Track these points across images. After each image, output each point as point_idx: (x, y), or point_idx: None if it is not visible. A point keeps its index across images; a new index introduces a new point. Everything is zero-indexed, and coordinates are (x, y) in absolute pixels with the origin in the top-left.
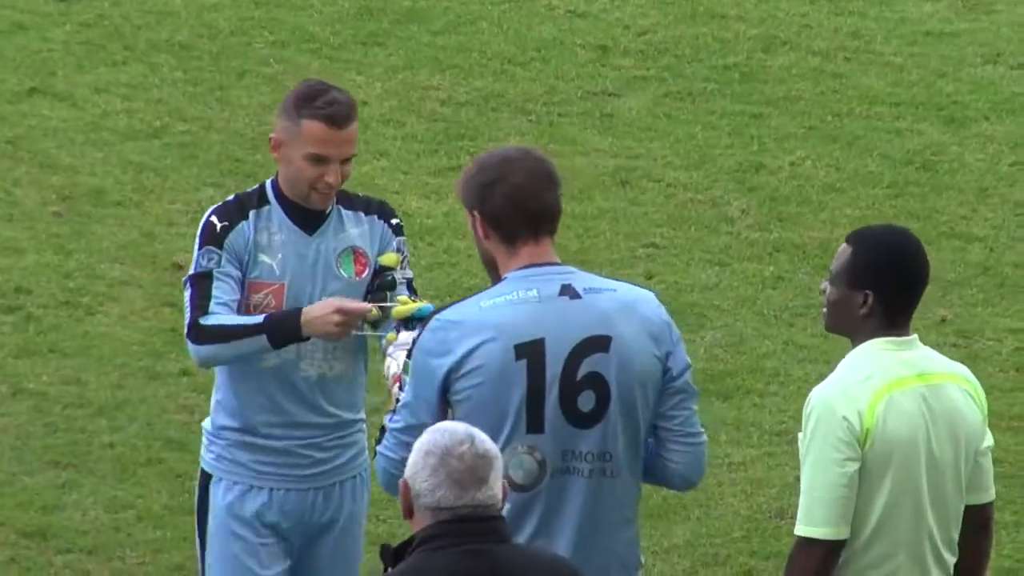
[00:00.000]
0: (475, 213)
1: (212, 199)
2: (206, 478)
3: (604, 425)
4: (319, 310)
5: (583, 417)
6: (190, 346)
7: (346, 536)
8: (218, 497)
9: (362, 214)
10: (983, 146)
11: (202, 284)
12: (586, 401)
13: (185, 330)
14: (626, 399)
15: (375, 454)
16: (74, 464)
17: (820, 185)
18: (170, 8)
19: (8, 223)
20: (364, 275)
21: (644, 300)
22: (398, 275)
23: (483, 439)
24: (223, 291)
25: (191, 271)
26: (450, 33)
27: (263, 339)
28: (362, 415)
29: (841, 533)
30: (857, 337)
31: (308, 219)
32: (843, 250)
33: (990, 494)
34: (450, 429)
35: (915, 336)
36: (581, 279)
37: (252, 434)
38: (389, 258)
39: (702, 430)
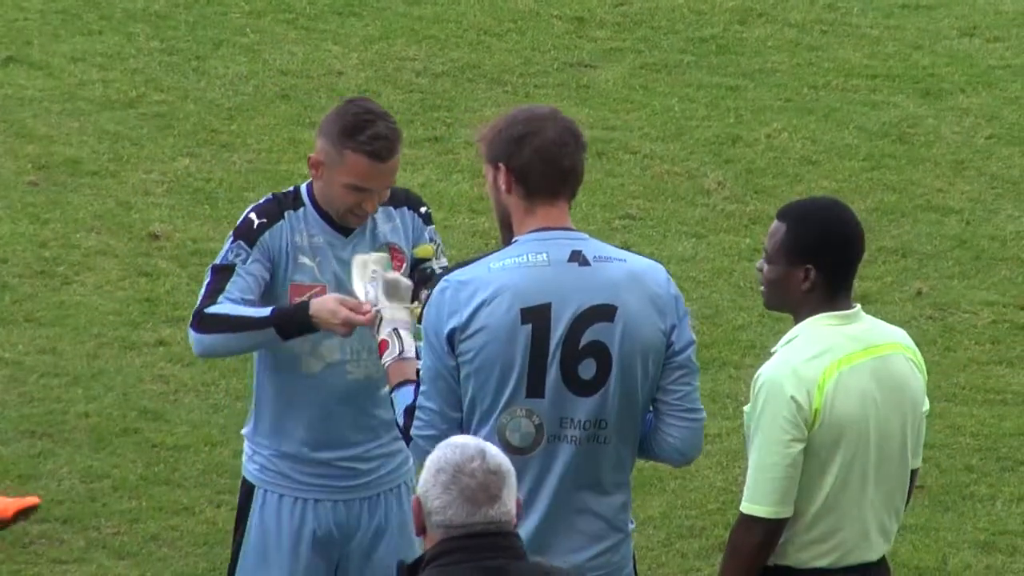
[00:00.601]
0: (500, 165)
1: (188, 169)
2: (248, 488)
3: (603, 394)
4: (325, 307)
5: (583, 385)
6: (191, 334)
7: (392, 545)
8: (262, 509)
9: (391, 208)
10: (959, 119)
11: (220, 276)
12: (587, 369)
13: (191, 318)
14: (627, 369)
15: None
16: (49, 434)
17: (796, 157)
18: None
19: None
20: (402, 270)
21: (653, 271)
22: (435, 265)
23: (494, 454)
24: (238, 287)
25: (216, 261)
26: (426, 4)
27: (271, 332)
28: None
29: (783, 512)
30: (800, 313)
31: (342, 226)
32: (776, 227)
33: (919, 460)
34: (460, 445)
35: (858, 307)
36: (592, 246)
37: (297, 446)
38: (425, 250)
39: (701, 407)
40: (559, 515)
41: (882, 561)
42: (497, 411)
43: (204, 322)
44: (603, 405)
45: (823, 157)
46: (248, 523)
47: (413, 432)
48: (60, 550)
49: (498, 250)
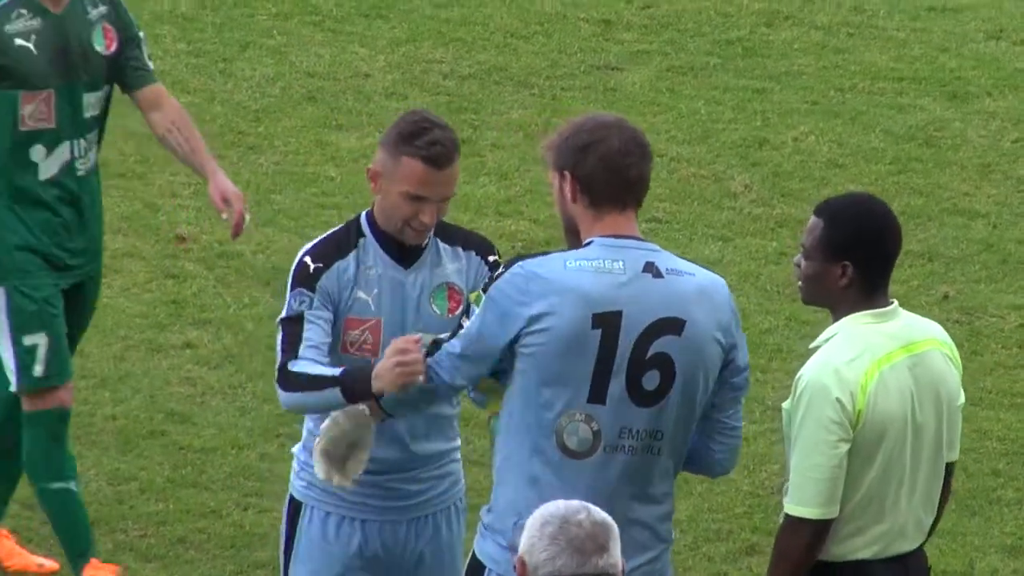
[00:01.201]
0: (567, 174)
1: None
2: (296, 505)
3: (663, 405)
4: (384, 362)
5: (645, 395)
6: (278, 391)
7: (441, 566)
8: (310, 526)
9: (460, 249)
10: (986, 122)
11: (293, 327)
12: (651, 380)
13: (275, 374)
14: (689, 383)
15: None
16: (77, 436)
17: (823, 160)
18: None
19: None
20: (457, 312)
21: (719, 288)
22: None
23: (598, 509)
24: (315, 333)
25: (283, 314)
26: (453, 6)
27: (337, 392)
28: (457, 443)
29: (829, 513)
30: (838, 309)
31: (404, 252)
32: (814, 223)
33: (956, 453)
34: (564, 502)
35: (895, 303)
36: (664, 258)
37: None
38: (478, 296)
39: (742, 424)
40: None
41: (919, 551)
42: (555, 411)
43: (287, 380)
44: (661, 416)
45: (849, 160)
46: (296, 540)
47: (430, 362)
48: None
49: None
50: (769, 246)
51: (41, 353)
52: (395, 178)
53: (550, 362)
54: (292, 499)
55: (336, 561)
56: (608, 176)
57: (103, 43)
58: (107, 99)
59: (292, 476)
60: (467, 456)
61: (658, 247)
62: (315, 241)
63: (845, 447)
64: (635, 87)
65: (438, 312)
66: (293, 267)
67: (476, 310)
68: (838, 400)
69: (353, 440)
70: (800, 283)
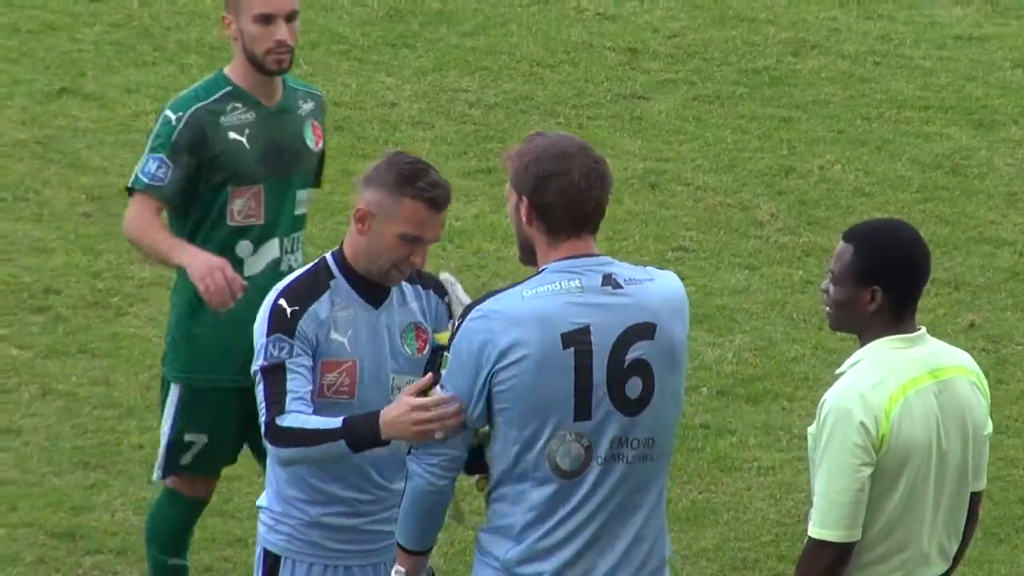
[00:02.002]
0: (524, 199)
1: None
2: (272, 560)
3: (650, 411)
4: (396, 411)
5: (631, 403)
6: (273, 449)
7: None
8: None
9: (419, 288)
10: (1012, 150)
11: (275, 378)
12: (633, 388)
13: (262, 429)
14: (669, 383)
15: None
16: (103, 465)
17: (849, 189)
18: (200, 9)
19: (38, 223)
20: (424, 352)
21: (672, 281)
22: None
23: None
24: (298, 384)
25: (261, 361)
26: (479, 35)
27: (341, 445)
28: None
29: (853, 536)
30: (866, 335)
31: (373, 292)
32: (843, 249)
33: (983, 482)
34: None
35: (923, 330)
36: (621, 269)
37: (326, 513)
38: (446, 337)
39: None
40: (604, 539)
41: None
42: (544, 437)
43: (278, 436)
44: (653, 423)
45: (876, 189)
46: None
47: (426, 476)
48: None
49: (526, 279)
50: (796, 274)
51: (196, 449)
52: (393, 219)
53: (528, 392)
54: (268, 553)
55: None
56: (566, 208)
57: (313, 139)
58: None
59: (263, 529)
60: None
61: (612, 259)
62: (285, 284)
63: (868, 471)
64: (661, 116)
65: (409, 352)
66: (267, 311)
67: (443, 370)
68: (862, 424)
69: None
70: (828, 309)
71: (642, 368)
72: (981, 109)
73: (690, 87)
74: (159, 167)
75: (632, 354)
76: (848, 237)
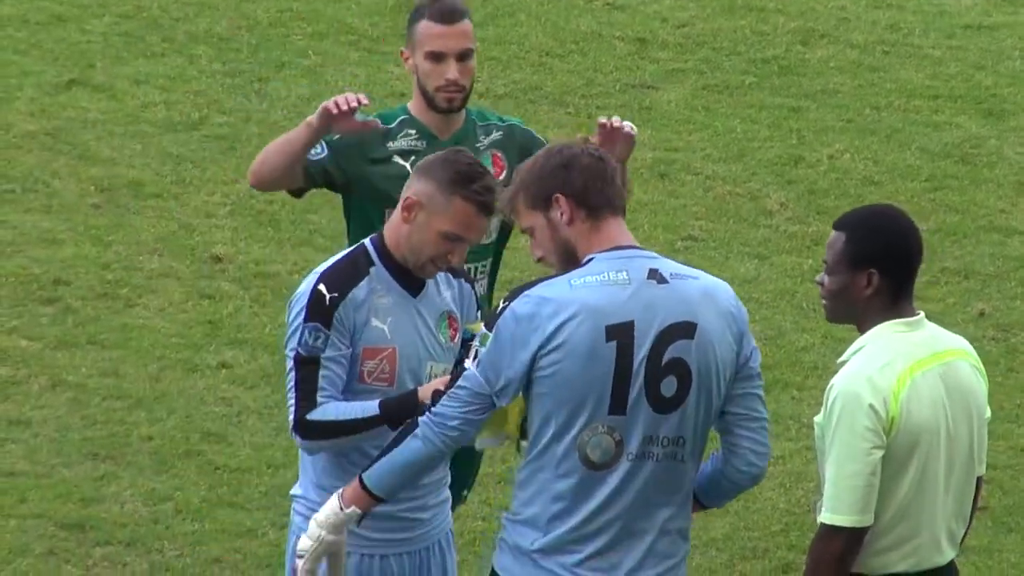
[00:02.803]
0: (558, 198)
1: (250, 191)
2: None
3: (682, 411)
4: (436, 384)
5: (665, 402)
6: (296, 439)
7: None
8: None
9: (451, 276)
10: (1022, 139)
11: (309, 371)
12: (668, 386)
13: (291, 423)
14: (705, 385)
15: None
16: (112, 456)
17: (859, 178)
18: (208, 0)
19: (47, 214)
20: (456, 340)
21: (723, 288)
22: (476, 343)
23: None
24: (330, 381)
25: (295, 345)
26: (488, 25)
27: (383, 429)
28: (447, 471)
29: (865, 521)
30: (865, 321)
31: (412, 280)
32: (836, 237)
33: (983, 468)
34: None
35: (922, 315)
36: (666, 264)
37: None
38: (478, 326)
39: (766, 412)
40: (633, 532)
41: (951, 565)
42: (577, 427)
43: (308, 430)
44: (682, 422)
45: (885, 178)
46: None
47: (437, 443)
48: (123, 573)
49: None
50: (805, 264)
51: None
52: (442, 215)
53: (569, 380)
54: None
55: None
56: (598, 184)
57: (492, 171)
58: (500, 223)
59: (299, 519)
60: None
61: (657, 254)
62: (326, 267)
63: (879, 454)
64: (670, 105)
65: (443, 340)
66: (307, 294)
67: (480, 347)
68: (871, 407)
69: (333, 551)
70: (825, 301)
71: (679, 368)
72: (991, 98)
73: (699, 76)
74: (321, 149)
75: (671, 352)
76: (839, 225)
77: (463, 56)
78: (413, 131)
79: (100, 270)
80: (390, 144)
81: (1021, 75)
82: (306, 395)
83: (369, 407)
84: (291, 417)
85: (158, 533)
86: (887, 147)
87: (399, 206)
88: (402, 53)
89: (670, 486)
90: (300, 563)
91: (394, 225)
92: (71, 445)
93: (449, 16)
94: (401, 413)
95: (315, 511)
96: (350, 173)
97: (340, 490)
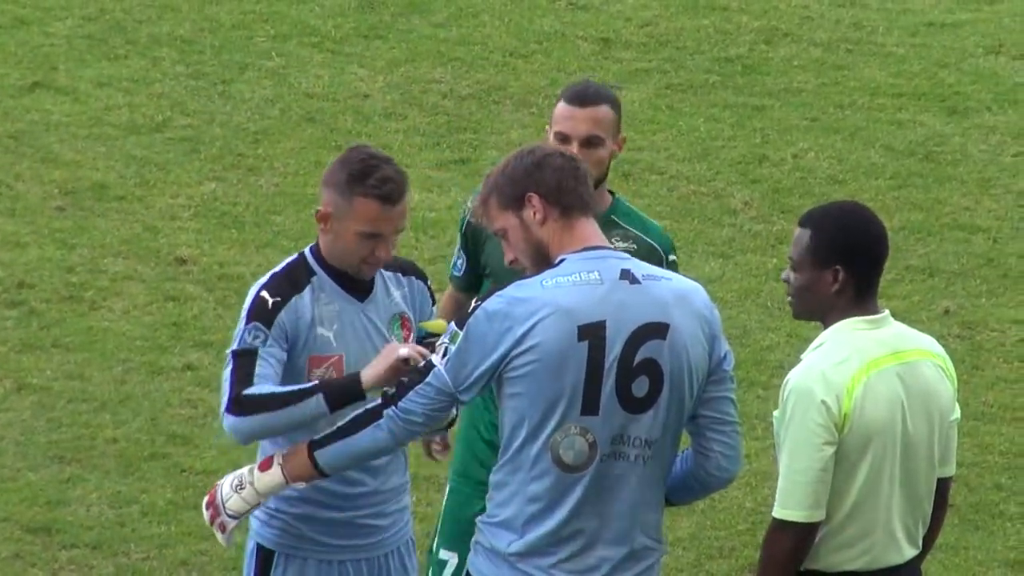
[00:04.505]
0: (531, 197)
1: (214, 193)
2: (266, 554)
3: (655, 411)
4: (374, 369)
5: (636, 402)
6: (229, 421)
7: None
8: (284, 574)
9: (400, 275)
10: (985, 136)
11: (245, 361)
12: (640, 387)
13: (223, 405)
14: (677, 386)
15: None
16: (78, 459)
17: (823, 177)
18: (171, 2)
19: (11, 218)
20: (409, 339)
21: (695, 290)
22: (446, 340)
23: None
24: (266, 371)
25: (235, 345)
26: (452, 26)
27: (319, 400)
28: (408, 478)
29: (815, 516)
30: (829, 317)
31: (357, 286)
32: (801, 234)
33: (952, 468)
34: None
35: (887, 312)
36: (638, 265)
37: (315, 506)
38: (438, 325)
39: (738, 418)
40: (608, 533)
41: (911, 564)
42: (549, 428)
43: (243, 405)
44: (653, 423)
45: (849, 176)
46: None
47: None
48: (89, 575)
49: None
50: (769, 263)
51: (449, 571)
52: (349, 218)
53: (541, 380)
54: (260, 548)
55: None
56: (571, 183)
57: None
58: None
59: (256, 524)
60: None
61: (629, 255)
62: (268, 276)
63: (831, 450)
64: (634, 105)
65: (396, 342)
66: (249, 301)
67: (451, 346)
68: (823, 403)
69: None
70: (791, 298)
71: (651, 368)
72: (954, 96)
73: (663, 76)
74: (456, 257)
75: (643, 353)
76: (805, 221)
77: (589, 142)
78: None
79: (64, 273)
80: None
81: (984, 72)
82: (241, 379)
83: (305, 384)
84: (224, 401)
85: (124, 536)
86: (851, 145)
87: (315, 218)
88: (545, 130)
89: (643, 487)
90: (232, 524)
91: (321, 237)
92: (36, 448)
93: (580, 98)
94: (339, 383)
95: (271, 516)
96: (473, 258)
97: (280, 459)
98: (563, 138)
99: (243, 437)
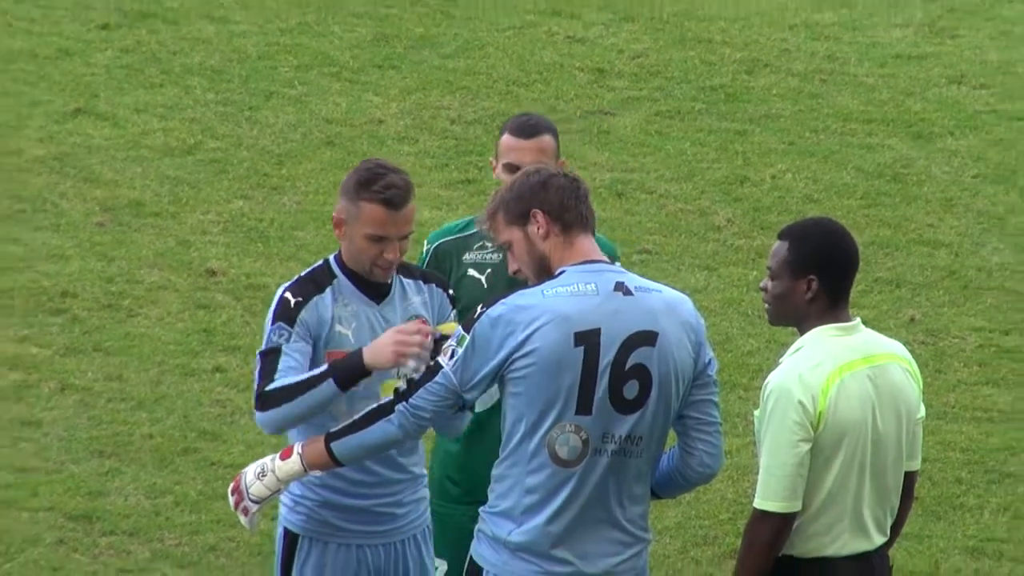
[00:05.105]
0: (536, 213)
1: (241, 210)
2: (292, 537)
3: (642, 412)
4: (379, 339)
5: (627, 404)
6: (257, 416)
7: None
8: (309, 556)
9: (421, 283)
10: (948, 159)
11: (269, 359)
12: (631, 389)
13: (253, 404)
14: (664, 390)
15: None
16: (116, 454)
17: (799, 196)
18: (203, 35)
19: (55, 232)
20: (427, 342)
21: (683, 301)
22: (453, 343)
23: None
24: (288, 363)
25: (263, 347)
26: (459, 57)
27: (330, 383)
28: (425, 470)
29: (793, 507)
30: (804, 323)
31: (375, 289)
32: (779, 246)
33: (918, 462)
34: None
35: (858, 320)
36: (631, 278)
37: (337, 494)
38: (450, 327)
39: (720, 420)
40: (599, 522)
41: (880, 551)
42: (546, 425)
43: (267, 400)
44: (640, 422)
45: (823, 195)
46: (294, 569)
47: (410, 429)
48: (127, 560)
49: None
50: (750, 275)
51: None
52: (358, 222)
53: (540, 381)
54: (287, 532)
55: None
56: (572, 202)
57: None
58: None
59: (284, 510)
60: None
61: (624, 269)
62: (294, 279)
63: (807, 447)
64: (627, 130)
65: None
66: (274, 304)
67: (457, 349)
68: (800, 402)
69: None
70: (768, 305)
71: (641, 372)
72: (920, 122)
73: (653, 103)
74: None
75: (634, 359)
76: (783, 235)
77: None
78: (488, 242)
79: (104, 283)
80: (465, 257)
81: (947, 101)
82: (266, 375)
83: (317, 369)
84: (253, 399)
85: (159, 523)
86: (825, 167)
87: (333, 225)
88: (491, 162)
89: (631, 480)
90: (254, 508)
91: (341, 243)
92: (78, 443)
93: (525, 131)
94: (345, 365)
95: (296, 503)
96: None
97: (300, 449)
98: (512, 168)
99: (271, 428)
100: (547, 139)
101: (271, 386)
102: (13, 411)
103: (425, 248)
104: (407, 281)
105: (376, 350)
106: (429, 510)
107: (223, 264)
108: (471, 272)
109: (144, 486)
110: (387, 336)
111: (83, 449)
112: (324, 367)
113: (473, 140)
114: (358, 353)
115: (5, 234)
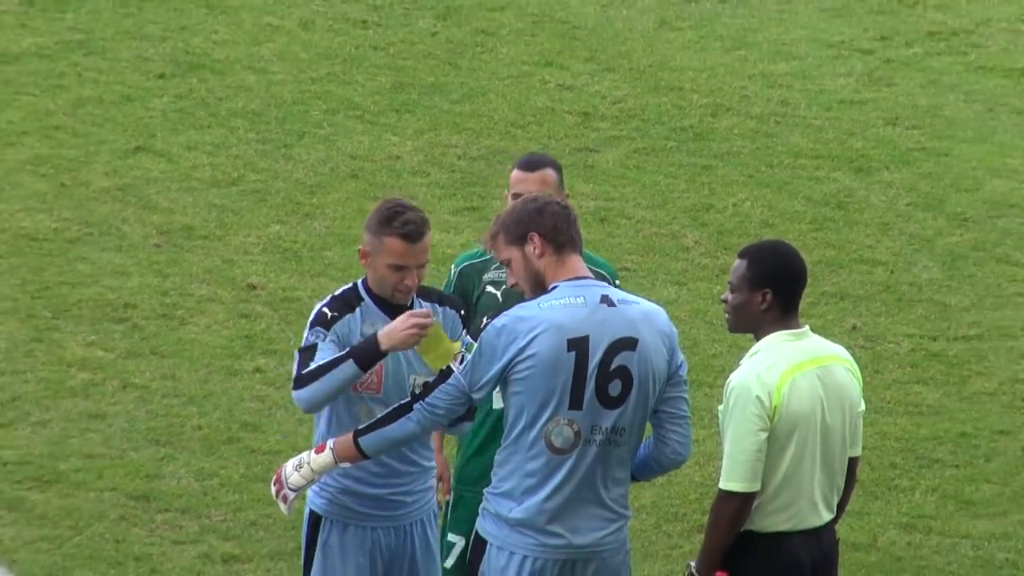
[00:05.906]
0: (532, 235)
1: (278, 233)
2: (316, 518)
3: (625, 407)
4: (394, 327)
5: (611, 400)
6: (294, 395)
7: (428, 559)
8: (329, 535)
9: (437, 305)
10: (884, 190)
11: (308, 352)
12: (615, 388)
13: (292, 387)
14: (643, 388)
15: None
16: (170, 442)
17: (757, 221)
18: (245, 83)
19: (118, 253)
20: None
21: (658, 312)
22: (462, 350)
23: None
24: (323, 356)
25: (302, 345)
26: (465, 102)
27: (351, 363)
28: (434, 463)
29: (753, 487)
30: (760, 330)
31: (395, 311)
32: (739, 263)
33: (859, 449)
34: None
35: (807, 327)
36: (614, 292)
37: (356, 482)
38: (455, 346)
39: (690, 414)
40: (586, 501)
41: (828, 526)
42: (543, 419)
43: (301, 381)
44: (623, 416)
45: (778, 220)
46: (317, 545)
47: (426, 424)
48: (179, 533)
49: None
50: (715, 289)
51: (457, 551)
52: (381, 254)
53: (539, 381)
54: (313, 513)
55: (351, 560)
56: (564, 225)
57: None
58: None
59: (311, 494)
60: None
61: (608, 284)
62: (329, 297)
63: (764, 435)
64: (609, 165)
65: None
66: (313, 315)
67: (467, 354)
68: (758, 398)
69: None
70: (727, 315)
71: (623, 373)
72: (860, 158)
73: (631, 142)
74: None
75: (617, 361)
76: (742, 254)
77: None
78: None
79: (160, 296)
80: (486, 276)
81: (884, 140)
82: (303, 364)
83: (340, 352)
84: (292, 384)
85: (207, 502)
86: (779, 196)
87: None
88: (504, 194)
89: (615, 466)
90: (292, 495)
91: (367, 271)
92: (137, 433)
93: (529, 165)
94: (363, 347)
95: (322, 488)
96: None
97: (332, 444)
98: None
99: (305, 405)
100: (549, 172)
101: (306, 370)
102: (81, 406)
103: (452, 270)
104: (423, 303)
105: (390, 332)
106: (436, 497)
107: (262, 279)
108: (489, 288)
109: (194, 470)
110: (400, 320)
111: (141, 438)
112: (346, 350)
113: (477, 173)
114: (374, 336)
115: (76, 254)
